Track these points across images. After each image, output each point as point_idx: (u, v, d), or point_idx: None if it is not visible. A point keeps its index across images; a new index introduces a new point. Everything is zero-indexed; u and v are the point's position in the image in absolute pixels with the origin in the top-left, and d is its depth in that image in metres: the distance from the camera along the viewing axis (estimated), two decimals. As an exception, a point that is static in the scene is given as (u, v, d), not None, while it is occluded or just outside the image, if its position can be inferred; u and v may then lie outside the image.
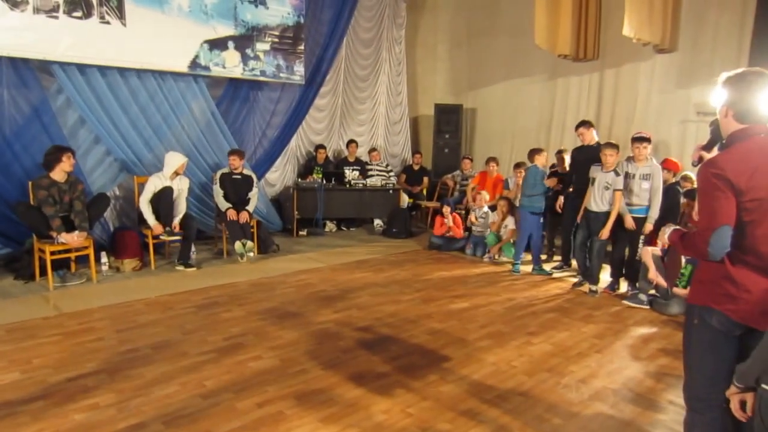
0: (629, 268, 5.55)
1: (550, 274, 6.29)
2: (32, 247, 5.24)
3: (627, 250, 5.57)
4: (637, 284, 5.34)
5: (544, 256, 6.86)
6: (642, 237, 5.32)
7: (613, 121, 7.78)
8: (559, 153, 6.99)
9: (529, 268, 6.41)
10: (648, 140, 5.21)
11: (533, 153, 6.26)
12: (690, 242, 2.12)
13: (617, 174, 5.29)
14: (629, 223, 5.32)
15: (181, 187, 6.08)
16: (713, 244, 1.98)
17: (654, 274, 4.92)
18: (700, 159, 5.10)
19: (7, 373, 3.36)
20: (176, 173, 5.98)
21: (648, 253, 5.03)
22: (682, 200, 5.63)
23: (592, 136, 5.90)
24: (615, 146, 5.36)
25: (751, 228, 2.00)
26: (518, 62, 8.94)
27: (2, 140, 5.56)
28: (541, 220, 6.30)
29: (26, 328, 4.11)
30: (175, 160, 6.00)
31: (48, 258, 4.97)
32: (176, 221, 5.94)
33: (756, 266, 2.01)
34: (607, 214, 5.32)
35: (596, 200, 5.38)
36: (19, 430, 2.74)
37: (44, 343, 3.84)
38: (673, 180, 5.74)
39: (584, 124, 5.97)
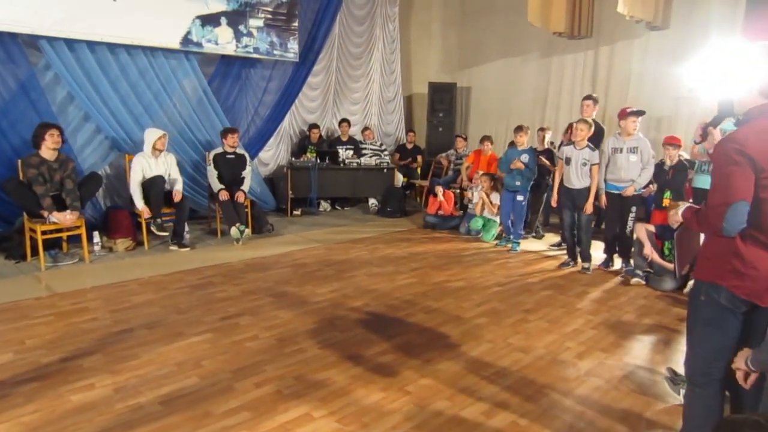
0: (621, 244, 5.57)
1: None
2: (23, 227, 5.16)
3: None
4: (632, 261, 5.37)
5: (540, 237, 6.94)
6: (632, 213, 5.34)
7: (608, 99, 7.75)
8: (541, 130, 6.94)
9: (527, 245, 6.50)
10: (643, 114, 5.28)
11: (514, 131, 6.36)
12: (703, 218, 2.08)
13: (592, 149, 5.38)
14: (603, 201, 5.47)
15: (168, 163, 5.96)
16: (729, 220, 1.95)
17: (649, 250, 4.93)
18: (704, 135, 5.03)
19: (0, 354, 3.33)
20: (158, 150, 5.82)
21: (642, 230, 5.03)
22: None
23: (592, 113, 5.93)
24: (587, 122, 5.42)
25: (766, 206, 1.98)
26: (513, 40, 8.86)
27: (-11, 118, 5.45)
28: (519, 198, 6.29)
29: (18, 308, 4.06)
30: (151, 135, 5.82)
31: (39, 238, 4.90)
32: (177, 189, 5.87)
33: (766, 244, 2.00)
34: (589, 189, 5.38)
35: (576, 178, 5.42)
36: (13, 412, 2.71)
37: (37, 323, 3.80)
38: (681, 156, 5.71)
39: (592, 98, 5.99)
